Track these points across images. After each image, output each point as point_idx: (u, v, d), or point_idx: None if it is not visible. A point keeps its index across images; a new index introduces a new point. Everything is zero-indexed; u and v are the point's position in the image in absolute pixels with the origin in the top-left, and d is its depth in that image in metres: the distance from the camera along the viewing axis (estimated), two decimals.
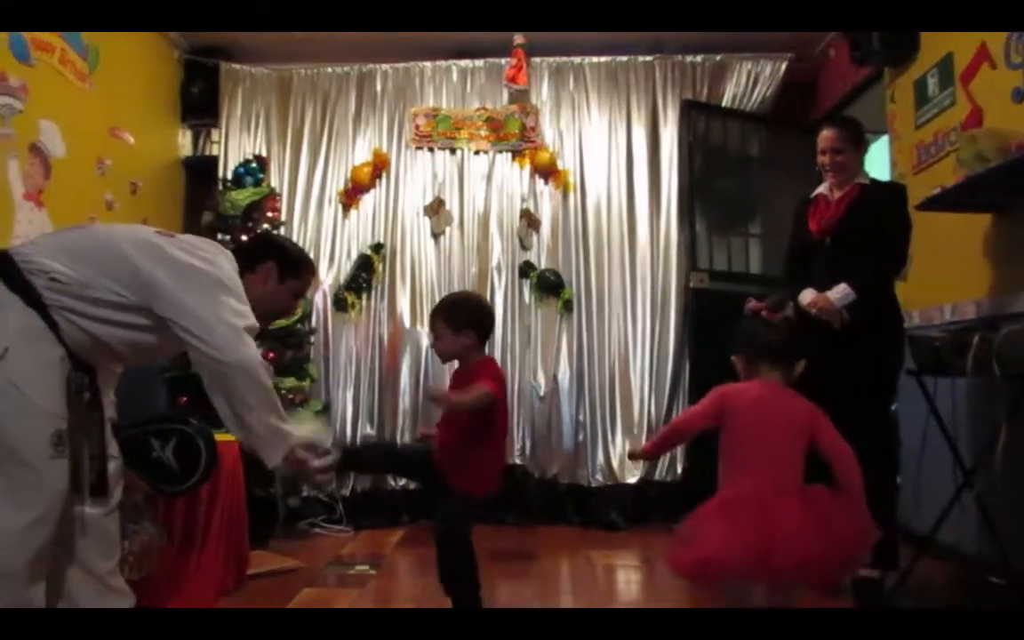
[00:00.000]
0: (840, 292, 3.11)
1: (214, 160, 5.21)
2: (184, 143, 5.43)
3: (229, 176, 4.79)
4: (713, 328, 4.42)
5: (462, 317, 2.66)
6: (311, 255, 5.05)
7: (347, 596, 3.33)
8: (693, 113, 5.08)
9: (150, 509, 2.78)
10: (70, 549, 2.19)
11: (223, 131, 5.22)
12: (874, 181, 3.36)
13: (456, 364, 2.78)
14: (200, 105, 5.28)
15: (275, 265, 2.44)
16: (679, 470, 4.89)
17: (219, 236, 4.39)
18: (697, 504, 2.39)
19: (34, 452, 1.97)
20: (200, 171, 5.30)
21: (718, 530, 2.21)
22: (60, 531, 2.15)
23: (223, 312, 2.12)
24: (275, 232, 2.48)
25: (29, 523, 1.96)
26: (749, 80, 5.16)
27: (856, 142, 3.32)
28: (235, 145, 5.20)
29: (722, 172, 5.22)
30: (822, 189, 3.39)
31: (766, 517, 2.18)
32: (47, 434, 1.99)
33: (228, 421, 2.20)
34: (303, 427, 2.39)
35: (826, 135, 3.32)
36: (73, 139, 4.01)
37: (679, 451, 4.89)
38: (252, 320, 2.18)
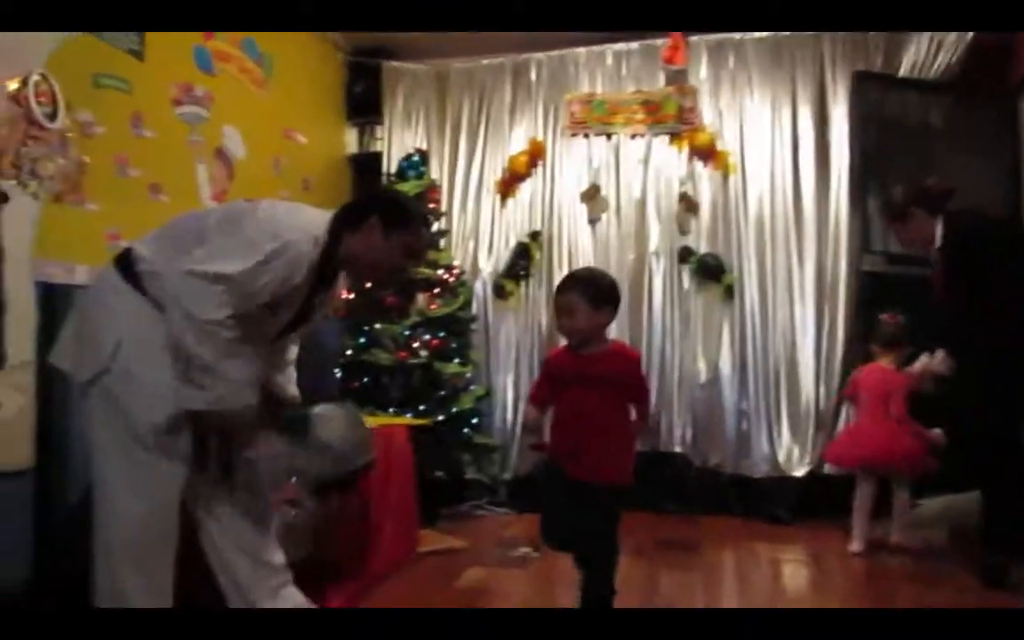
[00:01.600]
0: None
1: (378, 156, 5.42)
2: (350, 141, 5.66)
3: (392, 170, 4.98)
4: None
5: (601, 293, 2.49)
6: (470, 244, 5.21)
7: (511, 577, 3.41)
8: (866, 86, 4.77)
9: (329, 487, 2.93)
10: (221, 527, 2.31)
11: (386, 127, 5.43)
12: None
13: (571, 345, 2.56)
14: (364, 104, 5.50)
15: (379, 219, 2.28)
16: None
17: None
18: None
19: (152, 436, 2.06)
20: (366, 167, 5.52)
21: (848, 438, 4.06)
22: (200, 511, 2.28)
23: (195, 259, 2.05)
24: (384, 186, 2.27)
25: (147, 508, 2.08)
26: (931, 47, 4.74)
27: None
28: (398, 140, 5.38)
29: (899, 147, 4.87)
30: None
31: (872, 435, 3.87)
32: (163, 418, 2.07)
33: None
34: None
35: None
36: (252, 142, 4.29)
37: None
38: (216, 266, 2.02)
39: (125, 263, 2.15)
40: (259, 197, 3.17)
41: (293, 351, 2.61)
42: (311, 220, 2.25)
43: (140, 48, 3.45)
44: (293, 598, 2.43)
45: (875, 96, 4.79)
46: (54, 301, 2.88)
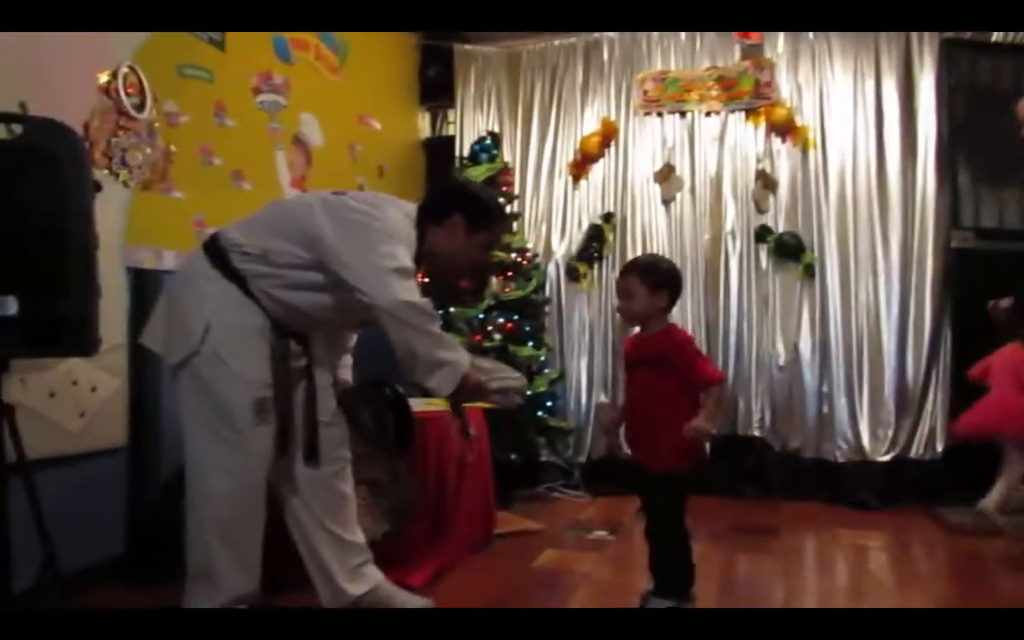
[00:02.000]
0: None
1: (451, 140, 5.45)
2: (423, 125, 5.71)
3: (465, 154, 5.00)
4: (982, 293, 4.02)
5: (659, 276, 2.52)
6: (543, 227, 5.20)
7: (587, 559, 3.40)
8: (955, 53, 4.57)
9: (407, 469, 2.99)
10: (306, 507, 2.37)
11: (458, 111, 5.44)
12: None
13: (636, 330, 2.61)
14: (437, 88, 5.53)
15: (462, 218, 2.30)
16: (938, 448, 4.51)
17: None
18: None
19: (239, 418, 2.12)
20: (438, 151, 5.56)
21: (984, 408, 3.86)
22: (286, 491, 2.34)
23: (372, 257, 2.09)
24: (464, 178, 2.30)
25: (235, 486, 2.14)
26: None
27: None
28: (470, 124, 5.40)
29: (991, 116, 4.65)
30: None
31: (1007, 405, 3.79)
32: (249, 401, 2.12)
33: (401, 361, 2.16)
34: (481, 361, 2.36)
35: None
36: (328, 129, 4.36)
37: (939, 426, 4.51)
38: (404, 262, 2.13)
39: (213, 248, 2.20)
40: (338, 186, 3.26)
41: (353, 338, 2.66)
42: (407, 212, 2.31)
43: (221, 38, 3.54)
44: (373, 576, 2.49)
45: (965, 64, 4.60)
46: (144, 286, 2.99)
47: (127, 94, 2.99)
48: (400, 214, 2.26)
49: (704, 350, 4.83)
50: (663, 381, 2.46)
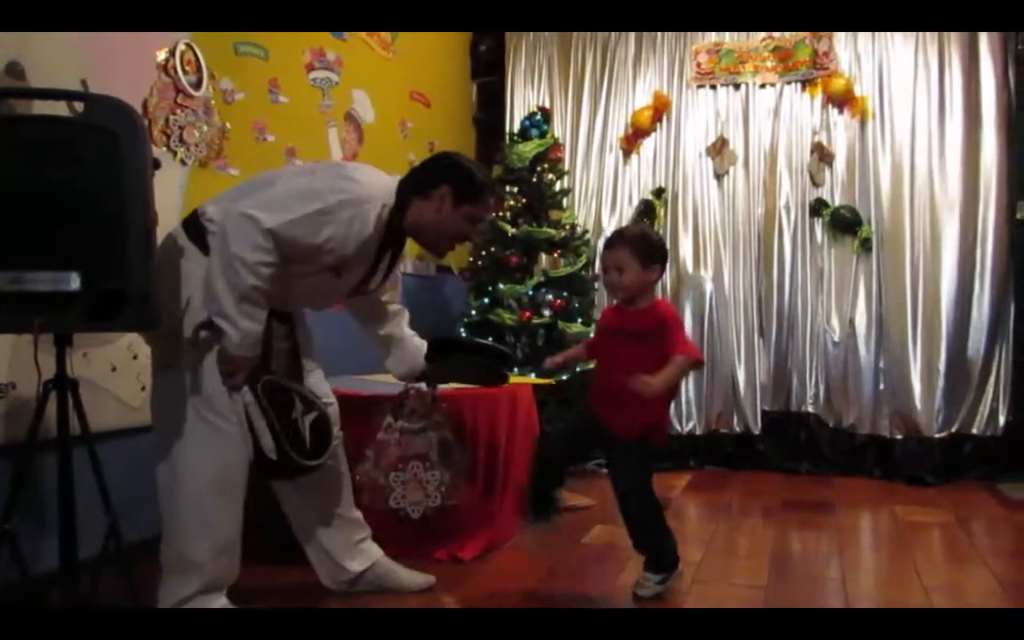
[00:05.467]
0: None
1: (501, 115, 5.43)
2: (474, 101, 5.71)
3: (516, 129, 4.98)
4: None
5: (651, 250, 2.49)
6: (593, 203, 5.17)
7: None
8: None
9: (458, 444, 3.01)
10: (300, 488, 2.37)
11: (509, 86, 5.42)
12: None
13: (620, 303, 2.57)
14: (488, 63, 5.52)
15: (449, 189, 2.30)
16: (1001, 422, 4.39)
17: (507, 188, 4.62)
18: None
19: (218, 399, 2.11)
20: (488, 127, 5.55)
21: None
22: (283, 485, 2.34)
23: (274, 199, 2.09)
24: (455, 153, 2.31)
25: (211, 469, 2.11)
26: None
27: None
28: (520, 99, 5.38)
29: None
30: None
31: None
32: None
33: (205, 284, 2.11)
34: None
35: None
36: (380, 105, 4.38)
37: (1001, 401, 4.40)
38: (273, 218, 2.05)
39: (191, 224, 2.20)
40: (389, 162, 3.30)
41: (393, 308, 2.65)
42: (383, 183, 2.30)
43: None
44: (372, 552, 2.53)
45: None
46: None
47: (184, 72, 3.05)
48: (348, 182, 2.21)
49: (757, 325, 4.81)
50: (644, 352, 2.43)
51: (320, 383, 2.46)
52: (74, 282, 1.83)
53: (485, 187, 2.41)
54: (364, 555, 2.53)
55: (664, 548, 2.60)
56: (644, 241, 2.52)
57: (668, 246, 4.93)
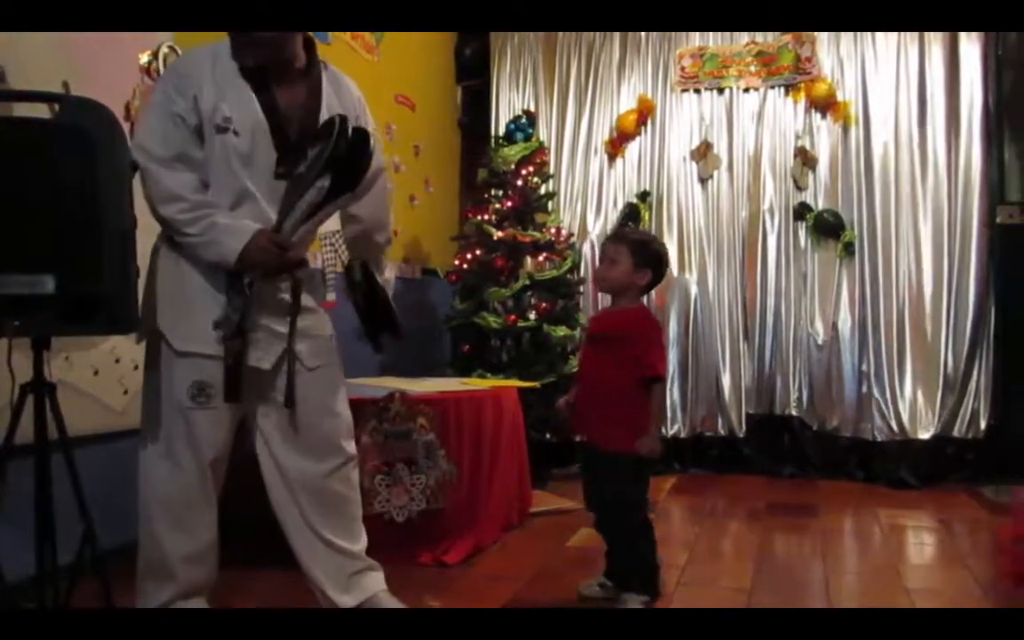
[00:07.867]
0: None
1: (486, 119, 5.43)
2: (458, 104, 5.70)
3: (501, 133, 4.98)
4: None
5: (648, 254, 2.49)
6: (578, 206, 5.19)
7: None
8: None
9: (442, 447, 3.00)
10: (294, 506, 2.17)
11: (494, 89, 5.42)
12: None
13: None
14: (473, 66, 5.52)
15: None
16: (982, 425, 4.41)
17: (493, 192, 4.62)
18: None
19: (182, 399, 2.04)
20: (473, 130, 5.55)
21: None
22: (271, 480, 2.17)
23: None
24: None
25: (177, 471, 2.06)
26: None
27: None
28: (505, 102, 5.38)
29: None
30: None
31: None
32: (188, 383, 2.04)
33: None
34: None
35: None
36: None
37: (982, 404, 4.42)
38: (142, 144, 2.03)
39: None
40: None
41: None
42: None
43: None
44: (370, 586, 2.27)
45: (1013, 35, 4.46)
46: None
47: None
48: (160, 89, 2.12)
49: (741, 329, 4.82)
50: (620, 357, 2.42)
51: (320, 347, 2.22)
52: (48, 285, 1.80)
53: None
54: (360, 589, 2.24)
55: (642, 568, 2.48)
56: (643, 243, 2.54)
57: None
